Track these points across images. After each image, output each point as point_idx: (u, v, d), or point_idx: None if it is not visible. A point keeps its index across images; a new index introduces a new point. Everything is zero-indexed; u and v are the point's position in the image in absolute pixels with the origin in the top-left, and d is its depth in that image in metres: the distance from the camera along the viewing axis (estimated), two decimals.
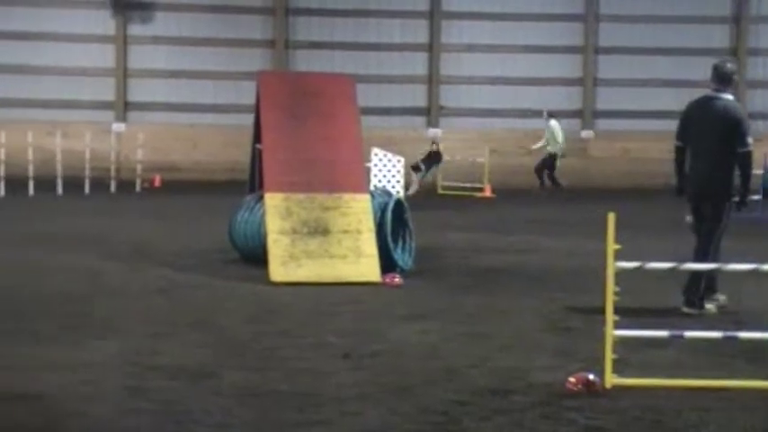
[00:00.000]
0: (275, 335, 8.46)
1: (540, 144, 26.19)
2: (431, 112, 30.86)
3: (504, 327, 8.97)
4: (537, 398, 6.53)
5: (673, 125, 10.33)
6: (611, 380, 6.76)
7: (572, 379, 6.73)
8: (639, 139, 30.44)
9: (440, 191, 26.60)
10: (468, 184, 26.13)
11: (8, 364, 7.06)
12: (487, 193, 25.74)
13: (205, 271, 11.99)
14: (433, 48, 30.69)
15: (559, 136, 25.67)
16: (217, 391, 6.59)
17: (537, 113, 30.27)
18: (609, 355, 6.75)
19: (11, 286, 10.55)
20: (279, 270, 11.36)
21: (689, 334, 7.38)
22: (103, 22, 29.62)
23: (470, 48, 30.74)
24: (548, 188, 25.61)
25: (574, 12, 31.12)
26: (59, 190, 23.41)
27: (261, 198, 12.48)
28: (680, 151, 9.93)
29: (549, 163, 25.75)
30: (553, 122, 25.92)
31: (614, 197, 23.24)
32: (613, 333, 6.78)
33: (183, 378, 6.88)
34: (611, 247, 6.74)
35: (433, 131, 30.56)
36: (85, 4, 29.52)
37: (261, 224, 12.24)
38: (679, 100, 29.22)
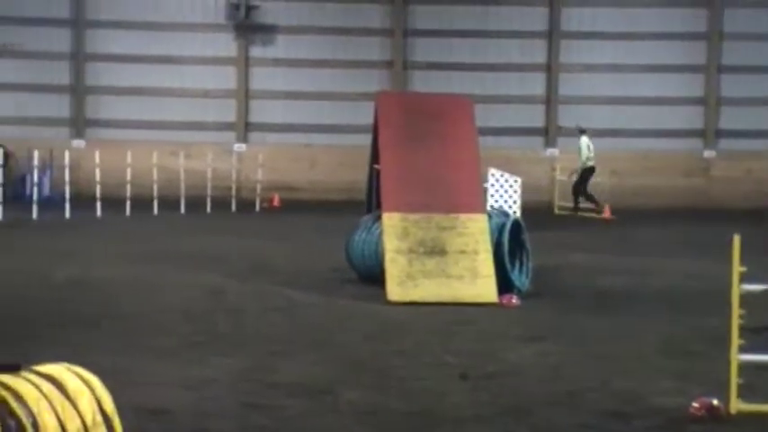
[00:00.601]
0: (392, 354, 8.48)
1: (589, 163, 25.78)
2: (548, 133, 30.64)
3: (624, 349, 8.83)
4: (658, 422, 6.41)
5: None
6: (737, 405, 6.58)
7: (695, 404, 6.58)
8: (764, 159, 29.70)
9: (557, 211, 26.36)
10: (586, 205, 25.82)
11: (136, 379, 7.23)
12: (606, 215, 25.38)
13: (323, 290, 12.09)
14: (551, 68, 30.49)
15: (583, 153, 25.31)
16: (335, 408, 6.63)
17: (658, 133, 29.83)
18: (734, 380, 6.58)
19: (135, 303, 10.80)
20: (396, 290, 11.39)
21: None
22: (226, 44, 30.24)
23: (589, 68, 30.45)
24: (599, 204, 25.31)
25: (696, 30, 30.56)
26: (182, 209, 23.92)
27: (378, 218, 12.55)
28: None
29: (585, 177, 25.45)
30: (583, 139, 25.56)
31: (737, 218, 22.67)
32: (738, 357, 6.61)
33: (302, 395, 6.95)
34: (737, 269, 6.59)
35: (550, 151, 30.35)
36: (209, 27, 30.18)
37: (378, 244, 12.31)
38: None
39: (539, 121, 30.62)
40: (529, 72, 30.47)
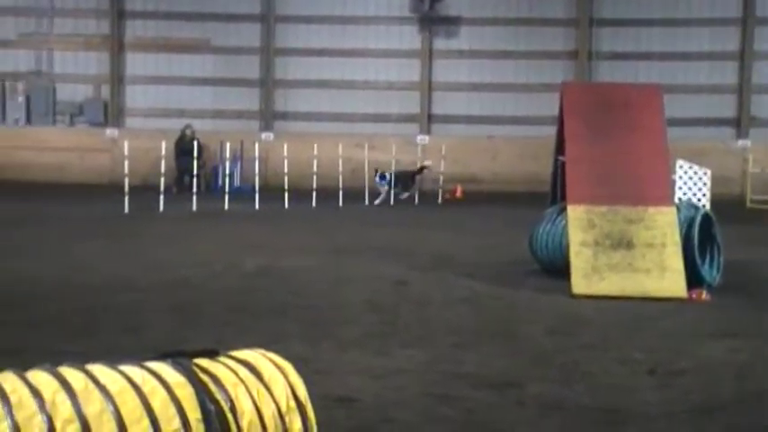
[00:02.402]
0: (578, 348, 8.38)
1: None
2: (741, 123, 29.61)
3: None
4: None
5: None
6: None
7: None
8: None
9: (749, 204, 25.47)
10: None
11: (323, 368, 7.37)
12: None
13: (506, 282, 12.06)
14: (744, 55, 29.44)
15: None
16: (520, 401, 6.60)
17: None
18: None
19: (321, 293, 11.01)
20: (581, 282, 11.25)
21: None
22: (410, 37, 30.48)
23: None
24: None
25: None
26: (366, 200, 24.25)
27: (563, 210, 12.42)
28: None
29: None
30: None
31: None
32: None
33: (486, 387, 6.94)
34: None
35: (742, 143, 29.32)
36: (394, 20, 30.47)
37: (562, 236, 12.19)
38: None
39: (730, 112, 29.63)
40: (720, 60, 29.51)
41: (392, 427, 6.03)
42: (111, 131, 30.22)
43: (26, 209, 20.61)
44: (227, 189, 22.34)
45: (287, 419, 3.78)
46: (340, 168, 24.43)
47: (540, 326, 9.34)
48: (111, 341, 8.23)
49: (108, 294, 10.54)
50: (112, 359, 3.74)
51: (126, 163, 20.51)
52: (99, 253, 13.86)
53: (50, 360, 3.88)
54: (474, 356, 7.97)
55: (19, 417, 3.26)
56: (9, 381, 3.42)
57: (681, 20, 29.51)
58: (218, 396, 3.68)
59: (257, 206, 21.78)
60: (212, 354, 3.94)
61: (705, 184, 20.75)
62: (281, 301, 10.34)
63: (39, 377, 3.47)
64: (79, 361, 3.71)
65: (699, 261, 11.66)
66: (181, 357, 3.86)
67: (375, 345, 8.35)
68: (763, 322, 9.68)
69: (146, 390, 3.55)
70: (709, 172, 20.94)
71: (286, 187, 22.64)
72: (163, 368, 3.72)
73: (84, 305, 9.90)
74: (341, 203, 23.50)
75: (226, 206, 21.43)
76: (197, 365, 3.81)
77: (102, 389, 3.48)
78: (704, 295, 11.04)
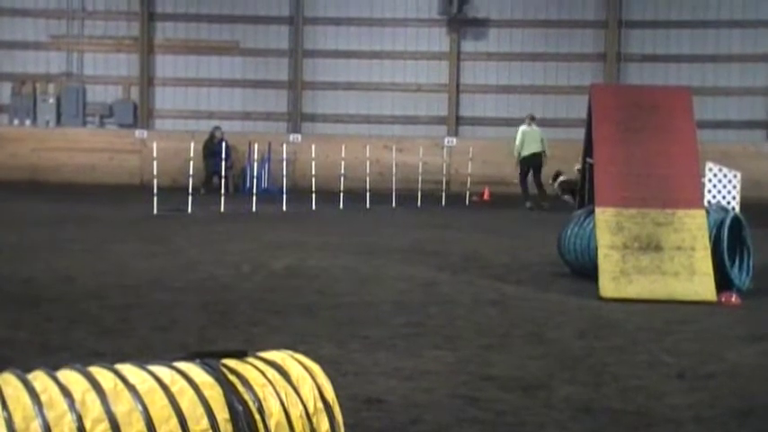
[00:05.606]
0: (607, 351, 8.35)
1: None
2: None
3: None
4: None
5: None
6: None
7: None
8: None
9: None
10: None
11: (351, 369, 7.38)
12: None
13: (534, 284, 12.04)
14: None
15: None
16: (549, 404, 6.58)
17: None
18: None
19: (349, 293, 11.02)
20: (609, 285, 11.22)
21: None
22: (439, 39, 30.46)
23: None
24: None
25: None
26: (393, 203, 24.26)
27: (591, 212, 12.38)
28: None
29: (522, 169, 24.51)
30: (522, 128, 24.55)
31: None
32: None
33: (516, 389, 6.93)
34: None
35: None
36: (422, 22, 30.47)
37: (591, 239, 12.15)
38: None
39: (761, 114, 29.42)
40: (751, 63, 29.29)
41: (421, 428, 6.02)
42: (140, 133, 30.36)
43: (59, 209, 20.75)
44: (254, 190, 22.40)
45: (315, 420, 3.78)
46: (368, 170, 24.44)
47: (569, 328, 9.31)
48: (142, 340, 8.27)
49: (140, 294, 10.60)
50: (143, 359, 3.76)
51: (155, 164, 20.61)
52: (131, 253, 13.94)
53: (84, 358, 3.91)
54: (503, 358, 7.95)
55: (49, 416, 3.28)
56: (40, 380, 3.44)
57: (711, 22, 29.32)
58: (246, 396, 3.68)
59: (285, 208, 21.84)
60: (241, 354, 3.95)
61: (735, 186, 20.61)
62: (310, 302, 10.36)
63: (69, 376, 3.49)
64: (112, 359, 3.73)
65: (728, 264, 11.59)
66: (209, 358, 3.88)
67: (403, 346, 8.34)
68: None
69: (174, 390, 3.56)
70: (739, 175, 20.80)
71: (313, 189, 22.68)
72: (191, 368, 3.73)
73: (116, 304, 9.96)
74: (368, 205, 23.51)
75: (254, 207, 21.49)
76: (225, 366, 3.82)
77: (132, 388, 3.49)
78: (734, 299, 10.97)
